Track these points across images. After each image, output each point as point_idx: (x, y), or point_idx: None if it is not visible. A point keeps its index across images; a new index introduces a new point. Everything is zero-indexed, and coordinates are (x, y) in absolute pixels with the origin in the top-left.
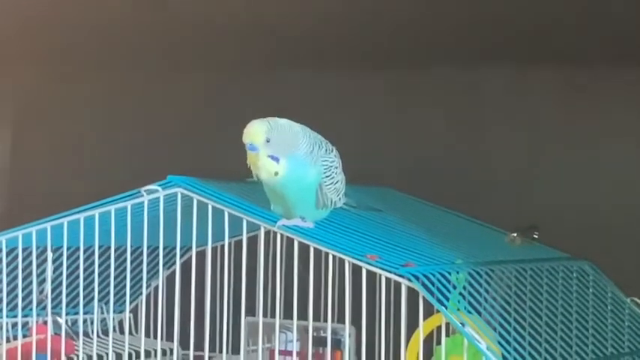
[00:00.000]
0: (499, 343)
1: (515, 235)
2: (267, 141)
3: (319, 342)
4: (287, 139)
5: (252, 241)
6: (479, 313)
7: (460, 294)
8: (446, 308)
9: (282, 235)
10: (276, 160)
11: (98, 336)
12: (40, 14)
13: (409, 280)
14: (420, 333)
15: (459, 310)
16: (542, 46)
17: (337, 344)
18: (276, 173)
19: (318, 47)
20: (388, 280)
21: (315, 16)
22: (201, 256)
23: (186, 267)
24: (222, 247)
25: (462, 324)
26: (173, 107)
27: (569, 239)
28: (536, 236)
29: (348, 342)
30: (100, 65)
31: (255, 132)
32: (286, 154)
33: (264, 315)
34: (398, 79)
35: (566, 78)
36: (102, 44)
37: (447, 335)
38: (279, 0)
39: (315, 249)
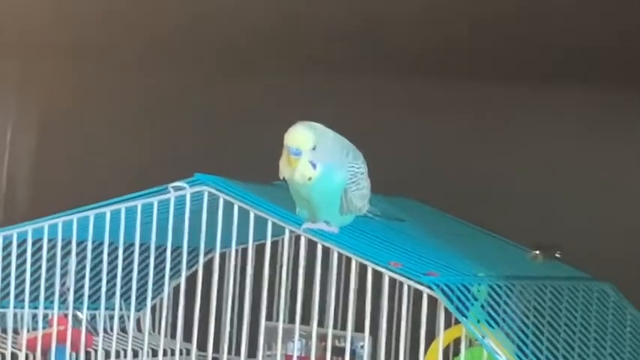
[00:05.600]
0: (516, 355)
1: (537, 252)
2: (313, 148)
3: (334, 351)
4: (328, 147)
5: (274, 247)
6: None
7: (481, 306)
8: (466, 319)
9: (305, 241)
10: (314, 166)
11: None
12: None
13: (431, 289)
14: (440, 343)
15: (479, 322)
16: (573, 66)
17: (352, 354)
18: (310, 179)
19: (340, 51)
20: (408, 289)
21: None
22: (222, 258)
23: (207, 268)
24: (244, 250)
25: (483, 336)
26: (207, 108)
27: (592, 261)
28: (558, 255)
29: (367, 351)
30: (135, 62)
31: (304, 138)
32: (324, 161)
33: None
34: (426, 89)
35: (596, 99)
36: (134, 41)
37: (466, 348)
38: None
39: (338, 254)
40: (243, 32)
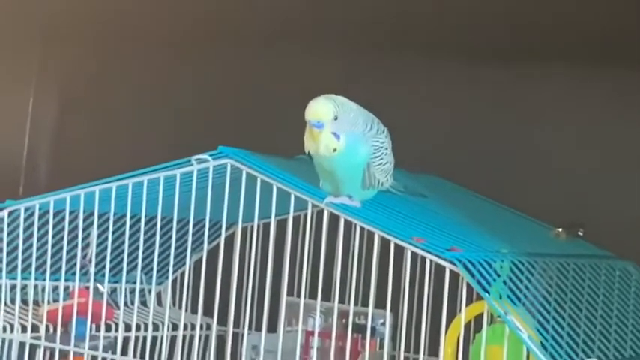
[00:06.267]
0: (537, 330)
1: (560, 230)
2: (335, 119)
3: (355, 328)
4: (349, 117)
5: (296, 221)
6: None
7: (503, 282)
8: (488, 295)
9: (328, 215)
10: (338, 137)
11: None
12: None
13: (454, 264)
14: (462, 319)
15: (501, 297)
16: (599, 45)
17: (373, 331)
18: (335, 150)
19: (376, 32)
20: (431, 264)
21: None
22: (244, 232)
23: (229, 242)
24: (266, 224)
25: (505, 312)
26: (230, 82)
27: (615, 239)
28: (581, 233)
29: (388, 328)
30: (158, 37)
31: (324, 110)
32: (347, 131)
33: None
34: (450, 67)
35: (621, 78)
36: (158, 17)
37: (487, 324)
38: None
39: (360, 229)
40: (268, 9)
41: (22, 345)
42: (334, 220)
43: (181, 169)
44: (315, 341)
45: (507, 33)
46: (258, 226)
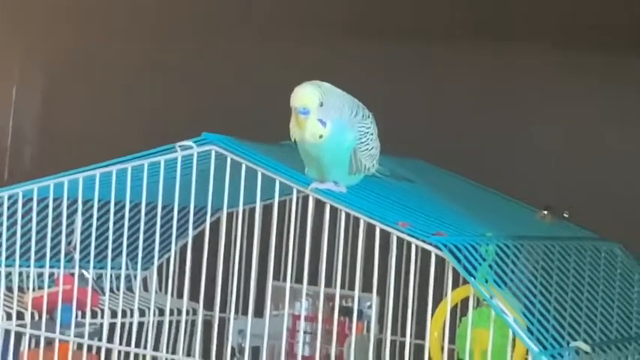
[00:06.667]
0: (523, 314)
1: (545, 212)
2: (321, 105)
3: (341, 311)
4: (335, 104)
5: (282, 206)
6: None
7: (489, 266)
8: (474, 279)
9: (313, 200)
10: (324, 124)
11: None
12: None
13: (439, 249)
14: (448, 303)
15: (487, 281)
16: (584, 26)
17: (359, 315)
18: (321, 136)
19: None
20: (416, 249)
21: None
22: (230, 218)
23: (214, 228)
24: (252, 210)
25: (490, 296)
26: (215, 68)
27: (600, 221)
28: (566, 215)
29: (374, 311)
30: (144, 23)
31: (310, 96)
32: (333, 118)
33: (284, 280)
34: (437, 52)
35: (606, 61)
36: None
37: (474, 308)
38: None
39: (345, 214)
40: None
41: (7, 333)
42: (320, 205)
43: (165, 156)
44: (302, 325)
45: (496, 17)
46: (244, 212)
